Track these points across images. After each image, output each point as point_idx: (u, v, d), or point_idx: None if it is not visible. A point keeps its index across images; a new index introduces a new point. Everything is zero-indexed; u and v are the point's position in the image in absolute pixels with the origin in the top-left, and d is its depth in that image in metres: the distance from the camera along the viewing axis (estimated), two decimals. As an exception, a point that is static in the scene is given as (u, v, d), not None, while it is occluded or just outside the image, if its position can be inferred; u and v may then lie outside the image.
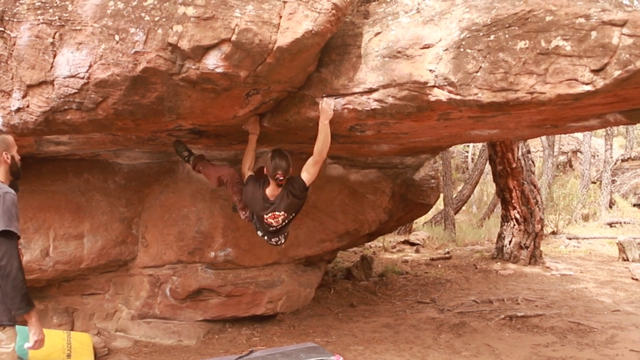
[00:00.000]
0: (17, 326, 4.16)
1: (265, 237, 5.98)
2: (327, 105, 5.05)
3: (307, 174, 5.54)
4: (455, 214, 19.94)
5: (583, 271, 12.96)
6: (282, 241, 6.07)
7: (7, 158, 4.22)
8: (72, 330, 7.32)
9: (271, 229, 5.82)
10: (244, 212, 6.08)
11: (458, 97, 4.41)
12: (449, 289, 11.19)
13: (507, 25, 4.13)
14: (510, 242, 14.10)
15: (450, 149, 18.38)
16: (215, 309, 7.95)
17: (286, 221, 5.79)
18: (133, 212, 7.56)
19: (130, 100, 4.80)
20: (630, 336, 7.85)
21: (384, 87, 4.72)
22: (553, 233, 18.81)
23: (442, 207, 19.81)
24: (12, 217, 3.90)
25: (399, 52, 4.62)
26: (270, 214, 5.68)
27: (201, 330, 7.91)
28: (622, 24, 3.77)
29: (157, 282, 7.67)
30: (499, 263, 13.74)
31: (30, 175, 6.75)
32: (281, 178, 5.49)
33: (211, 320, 8.04)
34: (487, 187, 25.55)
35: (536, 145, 27.96)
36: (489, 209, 22.21)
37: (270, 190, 5.62)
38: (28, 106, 4.89)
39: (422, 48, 4.54)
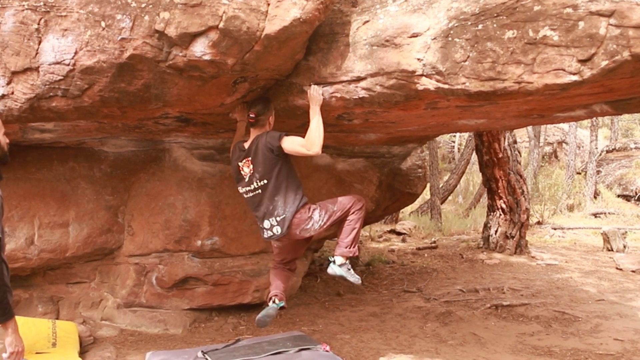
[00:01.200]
0: None
1: (258, 219, 5.69)
2: (316, 92, 5.04)
3: (291, 141, 5.22)
4: (441, 203, 20.00)
5: (568, 261, 13.04)
6: (278, 227, 5.52)
7: None
8: (57, 319, 7.28)
9: (248, 190, 5.55)
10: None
11: (446, 86, 4.41)
12: (435, 278, 11.23)
13: (495, 15, 4.13)
14: (496, 231, 14.16)
15: (436, 138, 18.46)
16: (201, 297, 7.93)
17: (257, 179, 5.44)
18: (119, 200, 7.52)
19: (117, 88, 4.77)
20: (614, 325, 7.90)
21: (372, 75, 4.72)
22: (538, 223, 18.92)
23: (428, 196, 19.87)
24: None
25: (387, 40, 4.61)
26: (244, 161, 5.52)
27: (187, 319, 7.89)
28: (610, 15, 3.77)
29: (143, 270, 7.65)
30: (484, 253, 13.79)
31: (15, 163, 6.66)
32: (252, 116, 5.41)
33: (197, 309, 8.02)
34: (474, 177, 25.65)
35: (522, 135, 28.10)
36: (475, 199, 22.30)
37: (247, 143, 5.53)
38: (12, 93, 4.85)
39: (410, 37, 4.54)
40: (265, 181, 5.42)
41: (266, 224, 5.58)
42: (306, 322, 8.08)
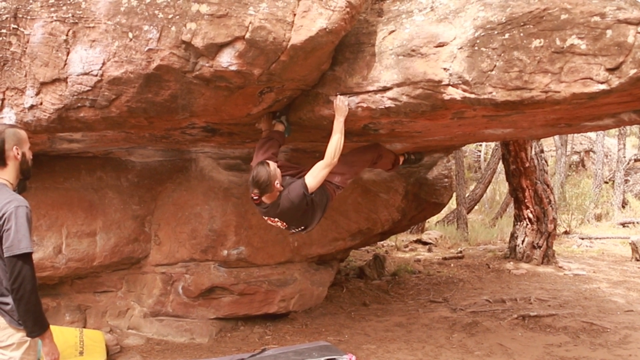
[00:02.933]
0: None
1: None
2: (342, 103, 5.02)
3: (313, 178, 5.11)
4: (467, 213, 19.86)
5: (596, 271, 12.89)
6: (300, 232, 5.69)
7: (18, 154, 3.82)
8: (84, 327, 7.34)
9: (287, 230, 5.57)
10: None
11: (472, 96, 4.40)
12: (461, 288, 11.15)
13: (522, 24, 4.11)
14: (523, 241, 14.03)
15: (463, 148, 18.34)
16: (227, 307, 7.95)
17: (295, 228, 5.45)
18: (146, 209, 7.57)
19: (144, 98, 4.81)
20: (643, 337, 7.81)
21: (398, 85, 4.71)
22: (566, 233, 18.72)
23: (454, 206, 19.75)
24: (25, 236, 3.61)
25: (413, 50, 4.61)
26: (266, 218, 5.38)
27: (214, 329, 7.92)
28: (638, 23, 3.75)
29: (169, 280, 7.68)
30: (511, 262, 13.67)
31: (43, 172, 6.77)
32: (255, 198, 5.08)
33: (224, 318, 8.04)
34: (500, 187, 25.46)
35: (549, 144, 27.85)
36: (502, 209, 22.12)
37: (266, 199, 5.20)
38: (41, 103, 4.91)
39: (436, 46, 4.53)
40: (304, 227, 5.48)
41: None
42: (332, 332, 8.06)
